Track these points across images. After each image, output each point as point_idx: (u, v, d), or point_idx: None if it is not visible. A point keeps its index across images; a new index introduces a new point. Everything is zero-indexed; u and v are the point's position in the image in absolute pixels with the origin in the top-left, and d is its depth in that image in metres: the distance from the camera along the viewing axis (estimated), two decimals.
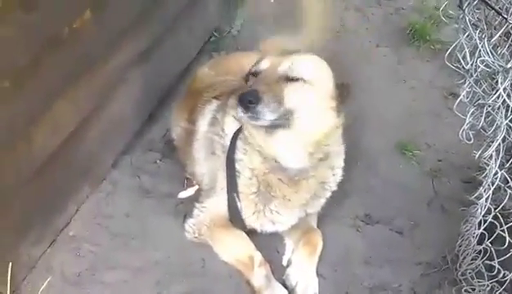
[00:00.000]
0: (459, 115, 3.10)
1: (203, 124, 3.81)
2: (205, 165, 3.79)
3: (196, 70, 4.44)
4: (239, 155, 3.47)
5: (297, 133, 3.21)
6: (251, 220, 3.58)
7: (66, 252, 3.54)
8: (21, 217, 3.23)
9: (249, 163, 3.43)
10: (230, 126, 3.54)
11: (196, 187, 3.94)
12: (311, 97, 3.19)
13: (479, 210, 3.12)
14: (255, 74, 3.27)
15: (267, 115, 3.07)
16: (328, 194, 3.66)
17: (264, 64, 3.26)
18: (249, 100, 3.03)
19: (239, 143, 3.47)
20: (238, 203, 3.50)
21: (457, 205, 4.13)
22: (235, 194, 3.49)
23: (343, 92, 3.28)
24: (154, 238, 3.71)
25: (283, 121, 3.15)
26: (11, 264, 3.12)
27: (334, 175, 3.62)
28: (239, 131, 3.47)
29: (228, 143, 3.51)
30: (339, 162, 3.60)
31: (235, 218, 3.57)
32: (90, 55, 3.39)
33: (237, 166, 3.47)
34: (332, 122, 3.29)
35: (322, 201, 3.68)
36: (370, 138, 4.62)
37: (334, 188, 3.66)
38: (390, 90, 5.17)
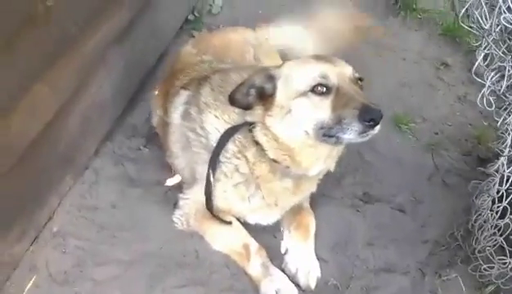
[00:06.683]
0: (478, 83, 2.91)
1: (176, 117, 3.57)
2: (183, 159, 3.58)
3: (180, 49, 4.16)
4: (231, 159, 3.24)
5: None
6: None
7: (51, 249, 3.35)
8: (0, 213, 3.03)
9: (243, 168, 3.22)
10: (212, 124, 3.28)
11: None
12: None
13: (498, 183, 2.93)
14: (327, 91, 2.91)
15: None
16: (315, 186, 3.49)
17: (332, 78, 2.92)
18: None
19: (231, 147, 3.22)
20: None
21: (459, 179, 4.06)
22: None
23: None
24: (143, 228, 3.52)
25: None
26: None
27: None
28: (231, 132, 3.20)
29: (212, 143, 3.26)
30: None
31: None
32: (67, 34, 3.17)
33: (224, 169, 3.25)
34: None
35: (310, 192, 3.52)
36: None
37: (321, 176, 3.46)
38: (380, 62, 5.00)
